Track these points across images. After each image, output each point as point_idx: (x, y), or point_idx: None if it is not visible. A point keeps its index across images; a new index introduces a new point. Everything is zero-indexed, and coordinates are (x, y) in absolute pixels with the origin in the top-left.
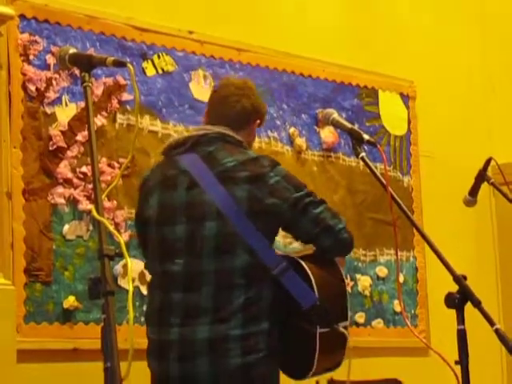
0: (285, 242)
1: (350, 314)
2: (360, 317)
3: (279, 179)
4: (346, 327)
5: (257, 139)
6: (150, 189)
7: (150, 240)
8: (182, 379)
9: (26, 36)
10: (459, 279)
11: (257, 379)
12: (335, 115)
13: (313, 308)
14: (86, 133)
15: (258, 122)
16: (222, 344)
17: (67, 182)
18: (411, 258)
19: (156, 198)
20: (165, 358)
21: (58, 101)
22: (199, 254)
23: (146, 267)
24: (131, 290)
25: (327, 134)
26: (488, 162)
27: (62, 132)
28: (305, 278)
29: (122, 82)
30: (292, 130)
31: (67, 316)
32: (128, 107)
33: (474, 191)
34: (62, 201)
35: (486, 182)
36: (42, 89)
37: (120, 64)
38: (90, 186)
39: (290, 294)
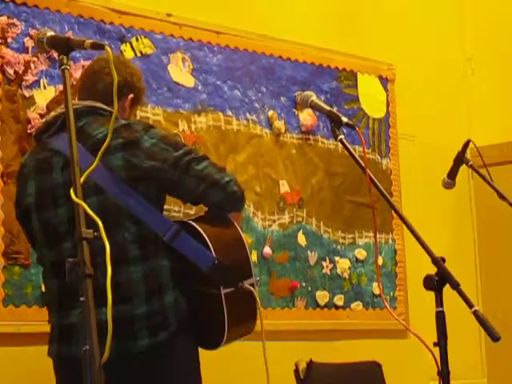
0: None
1: (254, 271)
2: (339, 299)
3: (155, 141)
4: (252, 285)
5: (235, 122)
6: (25, 176)
7: (34, 229)
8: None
9: (3, 19)
10: (438, 261)
11: (170, 357)
12: (314, 98)
13: (212, 268)
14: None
15: (132, 96)
16: (127, 326)
17: None
18: (390, 241)
19: (33, 185)
20: (65, 342)
21: (36, 84)
22: None
23: (37, 262)
24: (109, 272)
25: (306, 117)
26: (466, 144)
27: (41, 115)
28: (200, 239)
29: None
30: (271, 112)
31: None
32: None
33: (452, 174)
34: None
35: (464, 165)
36: (20, 72)
37: (98, 47)
38: None
39: (187, 258)
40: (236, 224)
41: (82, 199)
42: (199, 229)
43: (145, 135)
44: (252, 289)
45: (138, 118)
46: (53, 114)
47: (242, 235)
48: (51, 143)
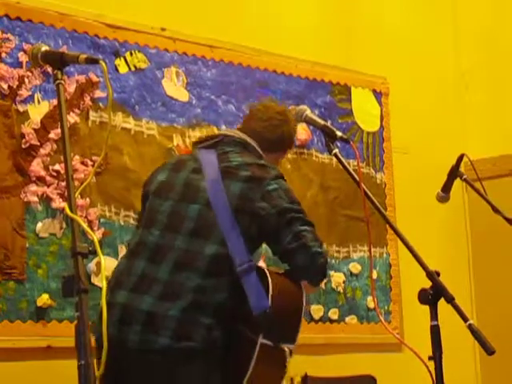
0: None
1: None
2: (333, 313)
3: (277, 187)
4: (290, 351)
5: None
6: (163, 168)
7: (145, 210)
8: (114, 341)
9: None
10: (432, 275)
11: (187, 374)
12: (308, 112)
13: (263, 315)
14: (58, 130)
15: (287, 151)
16: (158, 320)
17: (40, 180)
18: (384, 255)
19: (163, 176)
20: (109, 320)
21: (30, 99)
22: (175, 231)
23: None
24: (104, 287)
25: (300, 131)
26: (460, 158)
27: (35, 130)
28: (265, 286)
29: (95, 79)
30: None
31: (41, 314)
32: (101, 104)
33: (446, 187)
34: (35, 199)
35: (458, 179)
36: (15, 87)
37: (93, 61)
38: (63, 183)
39: (245, 299)
40: (304, 295)
41: (190, 204)
42: (269, 278)
43: (272, 180)
44: (287, 352)
45: (132, 132)
46: (215, 133)
47: (304, 307)
48: (197, 153)
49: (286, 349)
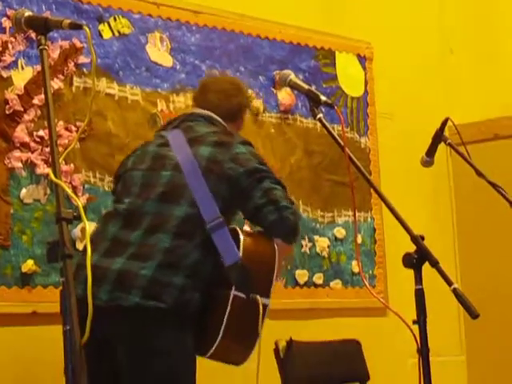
0: None
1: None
2: (318, 278)
3: (245, 151)
4: (265, 306)
5: None
6: (133, 152)
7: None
8: (82, 300)
9: None
10: (417, 239)
11: (156, 336)
12: (292, 77)
13: (234, 267)
14: (42, 96)
15: (244, 118)
16: (128, 279)
17: (24, 146)
18: (369, 219)
19: (133, 158)
20: (78, 281)
21: (13, 64)
22: (146, 197)
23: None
24: (89, 253)
25: (284, 96)
26: (445, 122)
27: (19, 96)
28: (236, 242)
29: (79, 44)
30: (249, 91)
31: (26, 280)
32: (85, 70)
33: (430, 152)
34: (20, 165)
35: (443, 143)
36: None
37: (76, 26)
38: (48, 149)
39: (217, 251)
40: (276, 251)
41: (159, 171)
42: (240, 235)
43: (239, 144)
44: (260, 304)
45: (116, 97)
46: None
47: (277, 265)
48: (164, 133)
49: (260, 301)
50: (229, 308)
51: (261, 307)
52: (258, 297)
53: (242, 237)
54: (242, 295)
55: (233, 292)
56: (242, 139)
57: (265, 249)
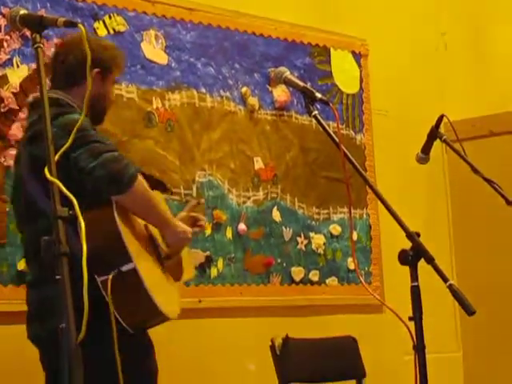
0: None
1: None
2: (314, 275)
3: (55, 131)
4: (134, 269)
5: (209, 99)
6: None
7: None
8: None
9: None
10: (412, 236)
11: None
12: (287, 74)
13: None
14: (37, 94)
15: (97, 70)
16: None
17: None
18: (364, 216)
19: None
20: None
21: (9, 62)
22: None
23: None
24: (85, 251)
25: (280, 93)
26: (440, 119)
27: (14, 94)
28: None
29: None
30: (244, 89)
31: (22, 278)
32: None
33: (426, 148)
34: None
35: (438, 140)
36: None
37: (71, 24)
38: None
39: None
40: (115, 213)
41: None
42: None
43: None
44: (129, 269)
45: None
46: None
47: (119, 225)
48: None
49: (129, 268)
50: (109, 294)
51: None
52: (126, 268)
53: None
54: (108, 276)
55: (99, 279)
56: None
57: (101, 217)
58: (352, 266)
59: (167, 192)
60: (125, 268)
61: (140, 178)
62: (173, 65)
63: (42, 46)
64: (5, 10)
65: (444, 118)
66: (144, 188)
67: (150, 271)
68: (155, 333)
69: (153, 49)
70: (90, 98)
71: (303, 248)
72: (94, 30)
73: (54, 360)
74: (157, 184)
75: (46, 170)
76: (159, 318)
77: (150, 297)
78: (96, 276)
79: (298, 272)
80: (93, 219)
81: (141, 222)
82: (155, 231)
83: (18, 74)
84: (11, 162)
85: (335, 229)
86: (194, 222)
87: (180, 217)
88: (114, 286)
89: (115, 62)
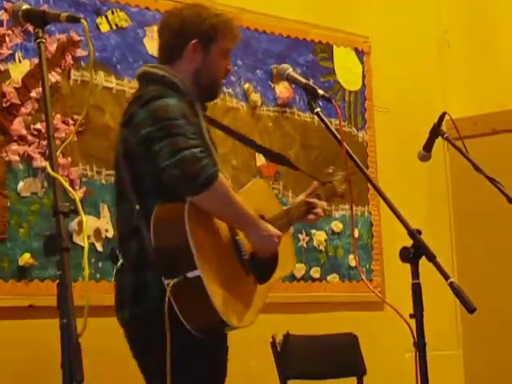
0: None
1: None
2: (315, 271)
3: (145, 116)
4: (199, 276)
5: None
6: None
7: None
8: None
9: None
10: (414, 234)
11: None
12: (290, 70)
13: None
14: (40, 89)
15: (194, 41)
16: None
17: (21, 139)
18: (366, 213)
19: None
20: None
21: (11, 57)
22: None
23: None
24: (86, 246)
25: (282, 90)
26: (442, 116)
27: (16, 89)
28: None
29: (76, 38)
30: (247, 85)
31: (23, 273)
32: (82, 63)
33: (428, 146)
34: (17, 158)
35: (440, 137)
36: None
37: (74, 20)
38: (45, 142)
39: None
40: (186, 215)
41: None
42: (154, 214)
43: (140, 109)
44: (192, 276)
45: (114, 91)
46: None
47: (189, 228)
48: None
49: (195, 275)
50: (173, 300)
51: (193, 276)
52: (192, 275)
53: (153, 218)
54: (173, 280)
55: (165, 282)
56: (147, 100)
57: (172, 216)
58: (353, 263)
59: (292, 167)
60: (190, 274)
61: (221, 179)
62: None
63: (44, 41)
64: (7, 5)
65: (446, 115)
66: (224, 190)
67: (220, 277)
68: None
69: (155, 44)
70: (193, 72)
71: (304, 245)
72: (97, 25)
73: (149, 339)
74: (282, 160)
75: (48, 165)
76: (223, 325)
77: (213, 305)
78: (163, 278)
79: (299, 269)
80: (166, 215)
81: (223, 223)
82: (242, 233)
83: (20, 69)
84: (13, 157)
85: (337, 226)
86: (308, 209)
87: (295, 202)
88: (178, 290)
89: (217, 30)
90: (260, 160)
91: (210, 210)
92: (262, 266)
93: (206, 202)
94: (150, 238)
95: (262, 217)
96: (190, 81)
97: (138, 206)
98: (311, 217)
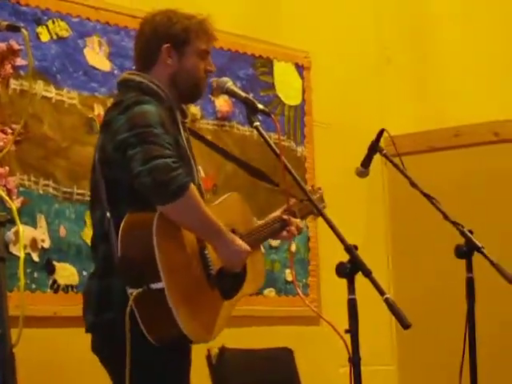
0: None
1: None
2: None
3: (123, 122)
4: (163, 289)
5: None
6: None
7: None
8: None
9: None
10: (350, 249)
11: None
12: (230, 84)
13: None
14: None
15: (166, 46)
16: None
17: None
18: (303, 228)
19: None
20: None
21: None
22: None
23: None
24: (22, 256)
25: (222, 103)
26: (380, 133)
27: None
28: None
29: (16, 46)
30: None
31: None
32: (22, 72)
33: (366, 162)
34: None
35: (378, 154)
36: None
37: (14, 28)
38: None
39: None
40: (154, 226)
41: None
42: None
43: (120, 114)
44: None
45: (53, 101)
46: None
47: (155, 238)
48: None
49: (158, 287)
50: (135, 310)
51: (157, 288)
52: (156, 287)
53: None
54: (138, 289)
55: (129, 291)
56: (127, 105)
57: (141, 226)
58: (290, 278)
59: (272, 184)
60: (154, 286)
61: (192, 190)
62: (115, 72)
63: None
64: None
65: (384, 132)
66: (194, 202)
67: (185, 291)
68: None
69: (96, 55)
70: (169, 76)
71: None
72: (37, 34)
73: (111, 348)
74: (262, 177)
75: None
76: (184, 338)
77: (175, 318)
78: (127, 287)
79: None
80: (135, 224)
81: (192, 236)
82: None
83: None
84: None
85: (274, 240)
86: (281, 226)
87: (269, 218)
88: (141, 301)
89: (189, 32)
90: (199, 173)
91: (179, 221)
92: (230, 281)
93: (176, 212)
94: (115, 244)
95: (234, 231)
96: (167, 85)
97: (108, 214)
98: (284, 234)
